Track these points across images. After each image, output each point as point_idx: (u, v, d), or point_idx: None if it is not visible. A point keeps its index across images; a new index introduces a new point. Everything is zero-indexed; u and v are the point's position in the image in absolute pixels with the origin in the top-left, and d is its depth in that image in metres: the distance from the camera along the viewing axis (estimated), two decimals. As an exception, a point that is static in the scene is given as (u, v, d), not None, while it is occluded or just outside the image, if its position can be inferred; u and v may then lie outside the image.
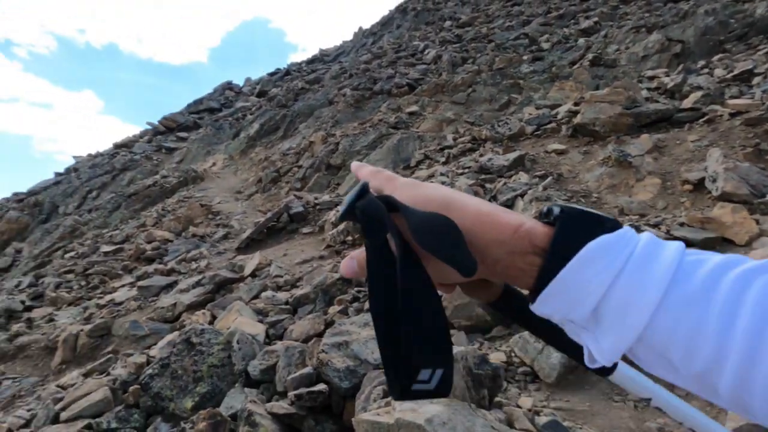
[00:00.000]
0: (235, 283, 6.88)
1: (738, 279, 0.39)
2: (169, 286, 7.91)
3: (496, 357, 3.66)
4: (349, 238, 7.35)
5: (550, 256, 0.45)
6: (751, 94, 8.04)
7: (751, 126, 6.69)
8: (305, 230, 8.96)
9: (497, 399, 3.08)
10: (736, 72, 9.55)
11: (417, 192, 0.51)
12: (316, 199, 10.28)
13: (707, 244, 4.80)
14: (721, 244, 4.87)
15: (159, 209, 14.63)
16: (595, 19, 17.05)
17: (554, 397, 3.23)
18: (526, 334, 3.65)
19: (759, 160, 6.11)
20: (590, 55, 13.42)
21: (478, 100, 13.30)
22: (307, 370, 3.79)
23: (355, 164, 0.63)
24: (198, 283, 7.11)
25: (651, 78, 11.07)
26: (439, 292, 0.50)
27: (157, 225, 12.81)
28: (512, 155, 7.73)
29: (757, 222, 4.88)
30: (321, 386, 3.65)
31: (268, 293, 5.72)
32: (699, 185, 6.01)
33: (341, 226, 7.65)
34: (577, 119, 8.50)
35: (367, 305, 4.60)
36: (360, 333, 4.10)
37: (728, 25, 13.18)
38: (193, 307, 6.50)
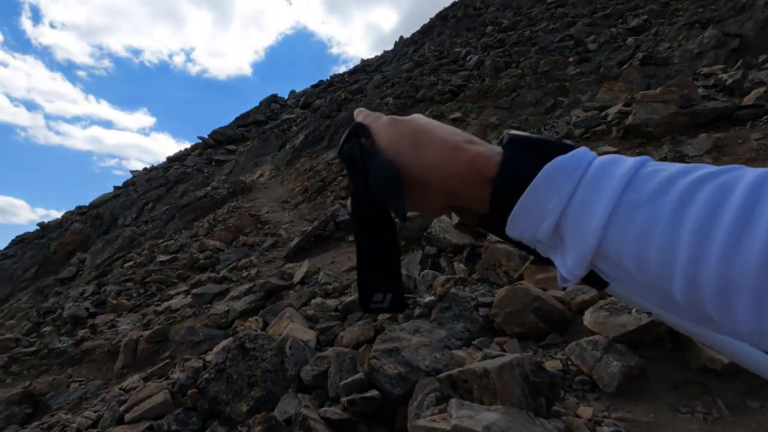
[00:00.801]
0: (285, 291, 7.02)
1: (691, 183, 0.39)
2: (222, 294, 8.16)
3: (552, 365, 3.56)
4: (396, 245, 7.37)
5: (495, 186, 0.48)
6: (820, 87, 7.54)
7: (823, 121, 6.27)
8: (351, 238, 9.04)
9: (555, 408, 2.99)
10: (802, 65, 8.99)
11: (393, 130, 0.56)
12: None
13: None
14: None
15: (210, 219, 15.14)
16: (645, 16, 16.47)
17: (615, 407, 3.11)
18: (583, 341, 3.53)
19: (833, 157, 5.72)
20: (640, 54, 12.96)
21: (523, 104, 13.08)
22: (359, 376, 3.81)
23: (357, 110, 0.67)
24: (249, 291, 7.30)
25: (707, 75, 10.57)
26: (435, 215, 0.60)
27: (208, 235, 13.25)
28: (561, 159, 7.55)
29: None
30: (373, 392, 3.66)
31: (318, 300, 5.80)
32: (765, 185, 5.67)
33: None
34: (629, 120, 8.23)
35: (417, 312, 4.59)
36: (410, 340, 4.09)
37: (792, 16, 12.42)
38: (245, 314, 6.67)
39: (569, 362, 3.53)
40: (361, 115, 0.65)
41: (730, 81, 9.21)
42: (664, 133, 7.68)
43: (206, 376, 4.67)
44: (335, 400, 3.90)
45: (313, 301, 5.84)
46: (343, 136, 0.59)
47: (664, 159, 6.83)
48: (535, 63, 14.94)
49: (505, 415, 2.46)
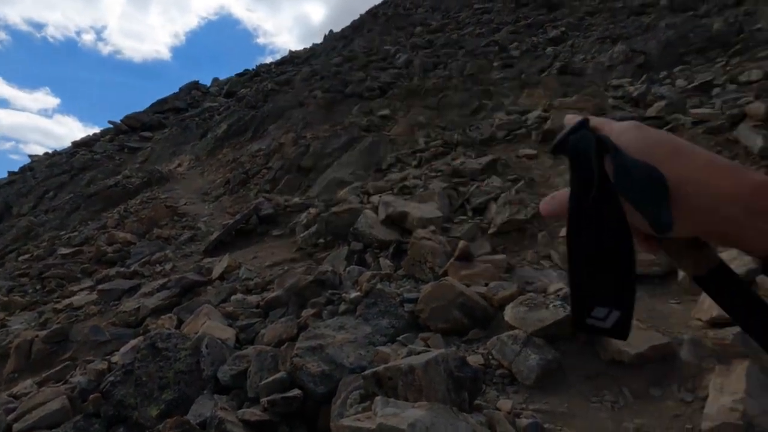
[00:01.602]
0: (203, 287, 6.66)
1: None
2: (132, 290, 7.59)
3: (474, 360, 3.62)
4: (322, 240, 7.23)
5: None
6: (711, 104, 8.34)
7: (713, 134, 6.93)
8: (276, 233, 8.77)
9: (477, 402, 3.03)
10: (696, 83, 9.90)
11: (642, 134, 0.49)
12: (286, 201, 10.09)
13: (675, 248, 4.92)
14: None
15: (121, 210, 14.11)
16: (563, 29, 17.46)
17: (533, 399, 3.21)
18: (504, 336, 3.63)
19: (721, 166, 6.33)
20: (558, 64, 13.71)
21: (450, 105, 13.38)
22: (281, 375, 3.67)
23: (569, 116, 0.59)
24: (163, 287, 6.84)
25: (617, 87, 11.37)
26: (641, 249, 0.50)
27: (119, 227, 12.34)
28: (485, 159, 7.78)
29: (722, 226, 5.02)
30: (295, 391, 3.54)
31: (238, 296, 5.54)
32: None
33: (313, 228, 7.52)
34: (547, 125, 8.65)
35: (342, 308, 4.50)
36: (335, 336, 4.01)
37: (688, 39, 13.69)
38: (158, 312, 6.24)
39: (490, 356, 3.61)
40: (576, 118, 0.57)
41: (636, 93, 9.95)
42: (579, 139, 8.15)
43: (112, 378, 4.29)
44: (255, 400, 3.72)
45: (233, 297, 5.58)
46: (564, 130, 0.51)
47: (578, 163, 7.24)
48: (462, 66, 15.35)
49: (430, 411, 2.44)
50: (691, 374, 3.19)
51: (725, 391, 2.74)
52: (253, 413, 3.40)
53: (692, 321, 3.70)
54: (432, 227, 5.76)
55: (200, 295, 6.28)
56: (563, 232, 5.31)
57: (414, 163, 10.04)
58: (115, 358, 4.92)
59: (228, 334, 4.57)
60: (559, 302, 3.61)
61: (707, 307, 3.60)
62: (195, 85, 32.10)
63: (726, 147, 6.65)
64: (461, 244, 4.96)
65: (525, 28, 19.25)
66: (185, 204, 13.15)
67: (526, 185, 7.04)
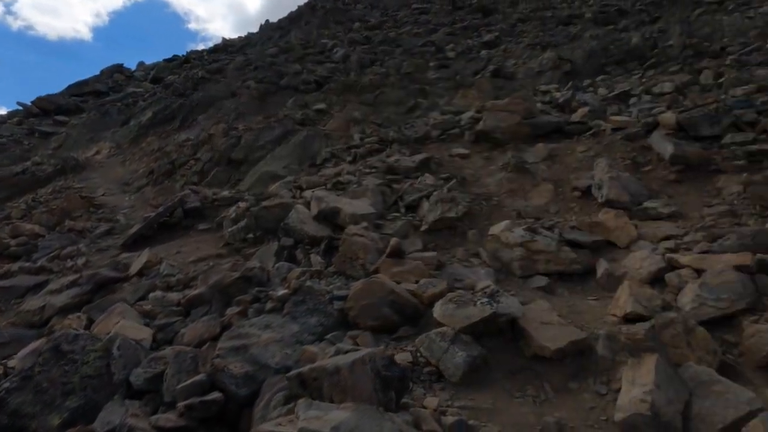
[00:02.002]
0: (119, 283, 6.21)
1: None
2: (38, 287, 6.95)
3: (402, 358, 3.60)
4: (251, 235, 6.97)
5: None
6: (628, 112, 8.88)
7: (630, 140, 7.36)
8: (202, 227, 8.37)
9: (404, 401, 3.00)
10: (615, 92, 10.53)
11: None
12: (214, 194, 9.67)
13: (594, 246, 5.17)
14: (605, 246, 5.26)
15: (29, 200, 12.94)
16: (496, 33, 18.01)
17: (459, 396, 3.23)
18: (432, 333, 3.63)
19: (636, 171, 6.74)
20: (491, 67, 14.11)
21: (386, 102, 13.40)
22: (200, 377, 3.47)
23: None
24: (73, 283, 6.31)
25: (545, 92, 11.86)
26: None
27: (25, 218, 11.30)
28: (418, 157, 7.83)
29: (636, 227, 5.34)
30: (215, 394, 3.35)
31: (157, 294, 5.21)
32: (586, 192, 6.48)
33: (242, 223, 7.23)
34: (480, 126, 8.83)
35: (269, 306, 4.33)
36: (260, 336, 3.85)
37: (609, 50, 14.55)
38: (66, 311, 5.74)
39: (419, 354, 3.60)
40: None
41: (562, 99, 10.41)
42: (509, 140, 8.39)
43: (7, 385, 3.87)
44: (172, 405, 3.49)
45: (151, 294, 5.24)
46: None
47: (507, 163, 7.45)
48: (399, 64, 15.43)
49: (355, 412, 2.37)
50: (606, 368, 3.33)
51: (636, 383, 2.88)
52: (168, 419, 3.19)
53: (608, 317, 3.88)
54: (364, 224, 5.70)
55: (115, 292, 5.85)
56: (492, 230, 5.39)
57: (349, 158, 9.94)
58: (12, 363, 4.47)
59: (144, 334, 4.28)
60: (486, 299, 3.67)
61: (622, 303, 3.79)
62: (118, 69, 30.09)
63: (641, 153, 7.08)
64: (393, 241, 4.93)
65: (461, 31, 19.67)
66: (103, 195, 12.28)
67: (458, 184, 7.15)
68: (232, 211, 7.99)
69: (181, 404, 3.23)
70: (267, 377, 3.50)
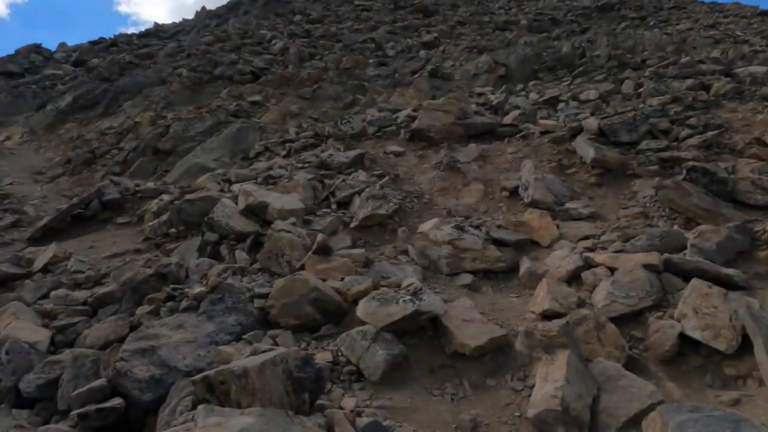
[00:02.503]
0: (19, 280, 5.67)
1: None
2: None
3: (323, 357, 3.49)
4: (173, 230, 6.59)
5: None
6: (556, 117, 9.22)
7: (556, 144, 7.64)
8: (121, 220, 7.84)
9: (320, 402, 2.90)
10: (545, 97, 10.92)
11: None
12: (137, 185, 9.10)
13: (519, 245, 5.29)
14: (529, 245, 5.41)
15: None
16: (436, 34, 18.24)
17: (378, 396, 3.17)
18: (353, 331, 3.54)
19: (561, 173, 7.00)
20: (429, 67, 14.26)
21: (324, 97, 13.20)
22: (100, 382, 3.20)
23: None
24: (-34, 280, 5.69)
25: (479, 94, 12.12)
26: None
27: None
28: (352, 153, 7.74)
29: (558, 227, 5.52)
30: (116, 401, 3.10)
31: (60, 292, 4.78)
32: (514, 192, 6.65)
33: (164, 217, 6.84)
34: (415, 124, 8.87)
35: (184, 305, 4.08)
36: (171, 336, 3.61)
37: (542, 57, 15.13)
38: (-46, 310, 5.16)
39: (339, 353, 3.51)
40: None
41: (495, 102, 10.68)
42: (443, 140, 8.48)
43: None
44: (66, 413, 3.20)
45: (53, 293, 4.80)
46: None
47: (440, 162, 7.51)
48: (338, 59, 15.26)
49: (261, 417, 2.24)
50: (523, 364, 3.39)
51: (549, 379, 2.94)
52: (58, 429, 2.90)
53: (528, 314, 3.96)
54: (293, 219, 5.53)
55: (13, 290, 5.32)
56: (421, 227, 5.39)
57: (283, 152, 9.68)
58: None
59: (40, 336, 3.90)
60: (408, 297, 3.63)
61: (540, 300, 3.88)
62: (36, 49, 27.75)
63: (566, 156, 7.37)
64: (319, 237, 4.81)
65: (401, 30, 19.76)
66: (11, 184, 11.24)
67: (391, 181, 7.13)
68: (154, 204, 7.54)
69: (74, 413, 2.95)
70: (177, 381, 3.28)
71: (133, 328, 3.94)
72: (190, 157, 10.62)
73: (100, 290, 4.79)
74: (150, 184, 9.34)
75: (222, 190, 7.32)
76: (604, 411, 2.88)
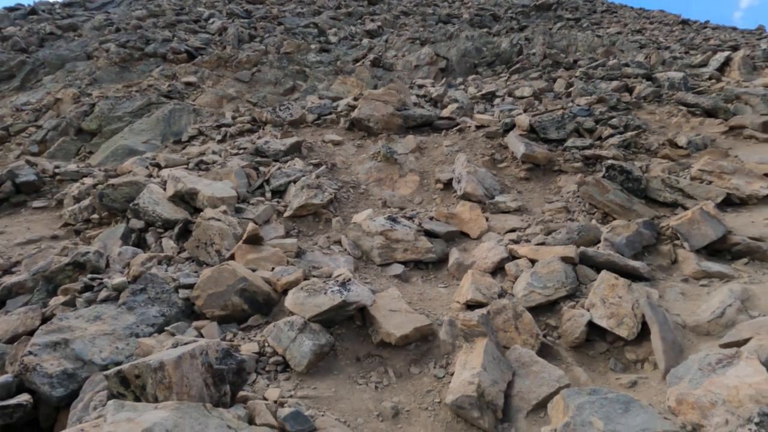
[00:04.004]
0: None
1: None
2: None
3: (249, 348, 3.46)
4: (95, 216, 6.25)
5: None
6: (492, 111, 9.51)
7: (490, 138, 7.89)
8: (37, 204, 7.33)
9: (243, 393, 2.88)
10: (483, 92, 11.22)
11: None
12: (57, 167, 8.53)
13: (449, 237, 5.45)
14: (460, 237, 5.58)
15: None
16: (379, 23, 18.20)
17: (303, 386, 3.19)
18: (281, 322, 3.54)
19: (493, 167, 7.24)
20: (372, 56, 14.23)
21: (263, 81, 12.87)
22: (4, 378, 3.01)
23: None
24: None
25: (420, 86, 12.26)
26: None
27: None
28: (289, 140, 7.62)
29: (487, 219, 5.73)
30: (22, 397, 2.94)
31: (-37, 281, 4.43)
32: (448, 185, 6.82)
33: (86, 202, 6.46)
34: (355, 114, 8.85)
35: (103, 295, 3.90)
36: (87, 328, 3.45)
37: (481, 52, 15.49)
38: None
39: (266, 344, 3.49)
40: None
41: (435, 94, 10.85)
42: (382, 130, 8.53)
43: None
44: (-35, 412, 2.99)
45: (-45, 282, 4.43)
46: None
47: (378, 153, 7.56)
48: (279, 42, 14.90)
49: (175, 411, 2.20)
50: (446, 352, 3.52)
51: (467, 366, 3.07)
52: (-44, 429, 2.72)
53: (453, 303, 4.10)
54: (223, 207, 5.39)
55: None
56: (355, 218, 5.42)
57: (218, 137, 9.38)
58: None
59: (-63, 329, 3.61)
60: (337, 288, 3.66)
61: (464, 291, 4.03)
62: (-59, 12, 25.14)
63: (498, 151, 7.63)
64: (250, 226, 4.72)
65: (345, 16, 19.55)
66: None
67: (328, 170, 7.10)
68: (74, 188, 7.11)
69: (-26, 411, 2.77)
70: (92, 375, 3.15)
71: (46, 320, 3.73)
72: (117, 139, 10.07)
73: (10, 279, 4.48)
74: (71, 166, 8.78)
75: (150, 175, 7.01)
76: (517, 395, 3.05)
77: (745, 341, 2.80)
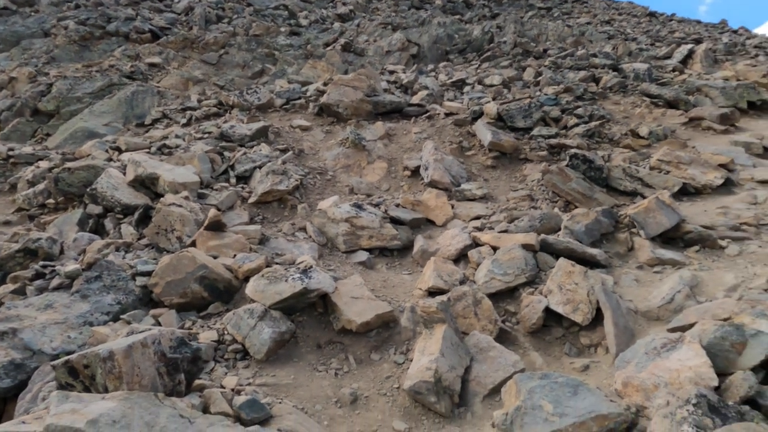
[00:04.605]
0: None
1: None
2: None
3: (207, 336, 3.42)
4: (51, 201, 6.03)
5: None
6: (461, 99, 9.53)
7: (458, 126, 7.91)
8: (-8, 188, 7.03)
9: (199, 382, 2.85)
10: (453, 79, 11.22)
11: None
12: (10, 150, 8.17)
13: (415, 224, 5.47)
14: (425, 224, 5.61)
15: None
16: (351, 7, 17.95)
17: (261, 373, 3.17)
18: (240, 310, 3.50)
19: (461, 155, 7.28)
20: (343, 41, 14.04)
21: (231, 64, 12.57)
22: (-53, 370, 2.89)
23: None
24: None
25: (391, 72, 12.18)
26: None
27: None
28: (255, 125, 7.48)
29: (453, 207, 5.77)
30: (-34, 389, 2.83)
31: None
32: (415, 172, 6.83)
33: (41, 186, 6.22)
34: (324, 99, 8.74)
35: (55, 283, 3.78)
36: (37, 317, 3.35)
37: (453, 39, 15.47)
38: None
39: (225, 332, 3.45)
40: None
41: (406, 80, 10.80)
42: (351, 116, 8.46)
43: None
44: None
45: None
46: None
47: (346, 139, 7.50)
48: (248, 24, 14.54)
49: (124, 401, 2.16)
50: (407, 339, 3.55)
51: (425, 352, 3.10)
52: None
53: (416, 291, 4.13)
54: (185, 193, 5.28)
55: None
56: (321, 205, 5.37)
57: (183, 121, 9.13)
58: None
59: None
60: (298, 275, 3.63)
61: (426, 278, 4.06)
62: None
63: (466, 138, 7.66)
64: (211, 212, 4.64)
65: (317, -1, 19.18)
66: None
67: (295, 156, 7.02)
68: (29, 172, 6.84)
69: None
70: (42, 365, 3.06)
71: (-7, 309, 3.59)
72: (77, 121, 9.69)
73: (-43, 267, 4.28)
74: (27, 149, 8.42)
75: (110, 159, 6.80)
76: (474, 380, 3.11)
77: (691, 326, 2.91)
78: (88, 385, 2.45)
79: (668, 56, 12.40)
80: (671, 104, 8.50)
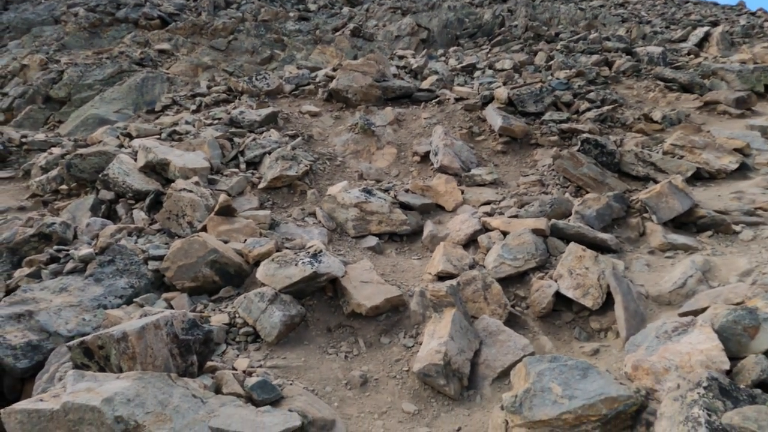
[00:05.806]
0: None
1: None
2: None
3: (219, 319, 3.46)
4: (64, 186, 6.10)
5: None
6: (471, 84, 9.44)
7: (468, 111, 7.85)
8: (3, 174, 7.11)
9: (211, 363, 2.89)
10: (464, 64, 11.10)
11: None
12: (24, 137, 8.26)
13: (424, 209, 5.45)
14: (435, 209, 5.60)
15: None
16: (362, -9, 17.78)
17: (272, 356, 3.21)
18: (251, 293, 3.53)
19: (471, 140, 7.23)
20: (352, 25, 13.93)
21: (240, 50, 12.54)
22: (-34, 350, 2.96)
23: None
24: None
25: (401, 57, 12.08)
26: None
27: None
28: (265, 111, 7.47)
29: (463, 192, 5.75)
30: (-15, 369, 2.90)
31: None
32: (425, 157, 6.79)
33: (54, 172, 6.29)
34: (333, 84, 8.69)
35: (69, 267, 3.83)
36: (52, 300, 3.41)
37: (464, 23, 15.28)
38: None
39: (236, 315, 3.49)
40: None
41: (415, 65, 10.71)
42: (361, 101, 8.41)
43: None
44: (-73, 384, 2.95)
45: None
46: None
47: (356, 124, 7.47)
48: (257, 9, 14.48)
49: (138, 381, 2.20)
50: (416, 322, 3.56)
51: (435, 336, 3.12)
52: None
53: (425, 275, 4.14)
54: (195, 178, 5.30)
55: None
56: (330, 190, 5.38)
57: (193, 107, 9.15)
58: None
59: None
60: (308, 259, 3.65)
61: (436, 262, 4.06)
62: None
63: (476, 124, 7.60)
64: (222, 197, 4.66)
65: (325, -16, 19.02)
66: None
67: (304, 142, 7.01)
68: (42, 158, 6.91)
69: (-65, 383, 2.73)
70: (57, 346, 3.12)
71: (10, 292, 3.66)
72: (88, 108, 9.76)
73: (-26, 251, 4.36)
74: (40, 136, 8.50)
75: (121, 145, 6.84)
76: (484, 363, 3.12)
77: (703, 310, 2.89)
78: (102, 365, 2.49)
79: (683, 39, 12.15)
80: (686, 88, 8.34)
